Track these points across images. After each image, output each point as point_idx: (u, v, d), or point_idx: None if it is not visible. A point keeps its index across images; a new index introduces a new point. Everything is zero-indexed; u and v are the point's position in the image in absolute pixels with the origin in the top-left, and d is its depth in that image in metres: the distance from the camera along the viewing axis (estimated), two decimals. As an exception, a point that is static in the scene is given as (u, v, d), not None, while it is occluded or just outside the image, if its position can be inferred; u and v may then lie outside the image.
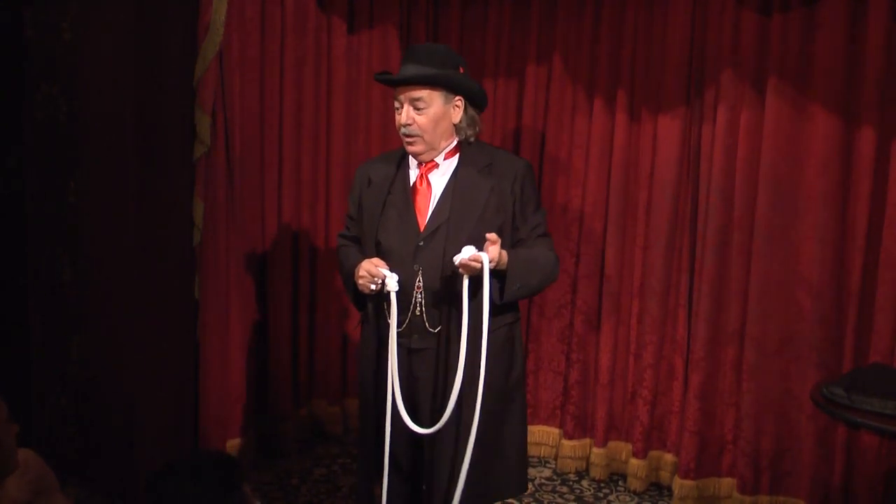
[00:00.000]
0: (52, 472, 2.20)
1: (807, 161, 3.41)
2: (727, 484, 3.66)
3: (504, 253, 2.60)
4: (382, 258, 2.67)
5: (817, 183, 3.38)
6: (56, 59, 2.61)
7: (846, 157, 3.34)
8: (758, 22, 3.45)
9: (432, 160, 2.75)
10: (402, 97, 2.70)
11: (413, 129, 2.69)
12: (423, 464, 2.84)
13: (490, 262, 2.53)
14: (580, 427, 4.01)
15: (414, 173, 2.78)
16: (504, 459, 2.81)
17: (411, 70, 2.68)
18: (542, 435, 4.13)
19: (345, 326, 4.26)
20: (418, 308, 2.69)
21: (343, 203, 4.08)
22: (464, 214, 2.67)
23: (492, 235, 2.54)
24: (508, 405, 2.81)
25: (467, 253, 2.52)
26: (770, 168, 3.44)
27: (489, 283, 2.54)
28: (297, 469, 3.93)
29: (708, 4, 3.56)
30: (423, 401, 2.74)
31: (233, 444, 3.70)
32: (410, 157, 2.79)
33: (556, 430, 4.11)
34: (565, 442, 4.04)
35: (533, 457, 4.13)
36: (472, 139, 2.78)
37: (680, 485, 3.67)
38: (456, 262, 2.53)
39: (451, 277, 2.65)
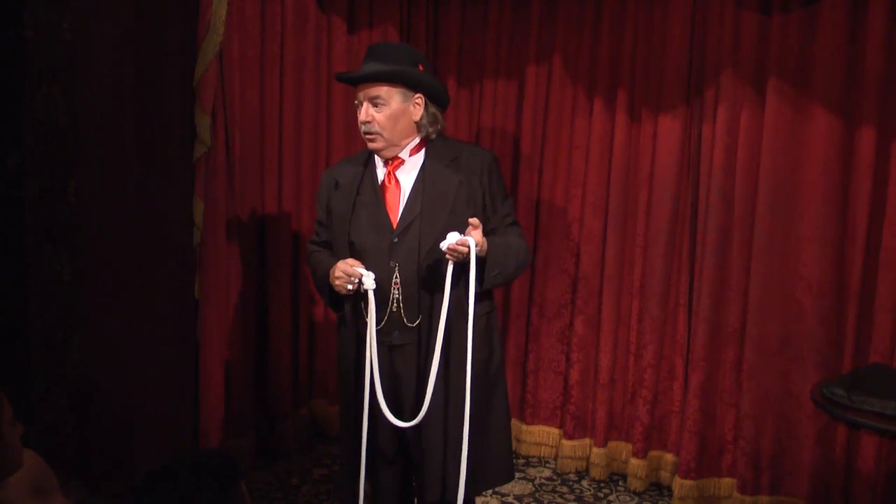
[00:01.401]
0: (52, 472, 2.20)
1: (807, 161, 3.41)
2: (727, 484, 3.66)
3: (484, 239, 2.62)
4: (357, 258, 2.69)
5: (817, 183, 3.38)
6: (56, 59, 2.61)
7: (846, 157, 3.34)
8: (758, 22, 3.45)
9: (398, 157, 2.77)
10: (361, 95, 2.73)
11: (372, 127, 2.71)
12: (409, 459, 2.85)
13: (476, 245, 2.55)
14: (580, 427, 4.01)
15: (381, 172, 2.79)
16: (490, 448, 2.83)
17: (370, 68, 2.71)
18: (542, 435, 4.13)
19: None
20: (395, 304, 2.70)
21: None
22: (435, 208, 2.69)
23: (475, 220, 2.57)
24: (492, 393, 2.83)
25: (453, 238, 2.54)
26: (770, 168, 3.44)
27: (475, 266, 2.56)
28: (297, 469, 3.93)
29: (708, 4, 3.56)
30: (407, 396, 2.75)
31: (233, 444, 3.69)
32: (377, 157, 2.80)
33: (556, 430, 4.11)
34: (565, 442, 4.03)
35: (533, 457, 4.13)
36: (433, 136, 2.80)
37: (680, 485, 3.67)
38: (443, 248, 2.55)
39: (428, 271, 2.68)
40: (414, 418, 2.69)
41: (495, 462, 2.85)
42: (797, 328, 3.46)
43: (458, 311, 2.66)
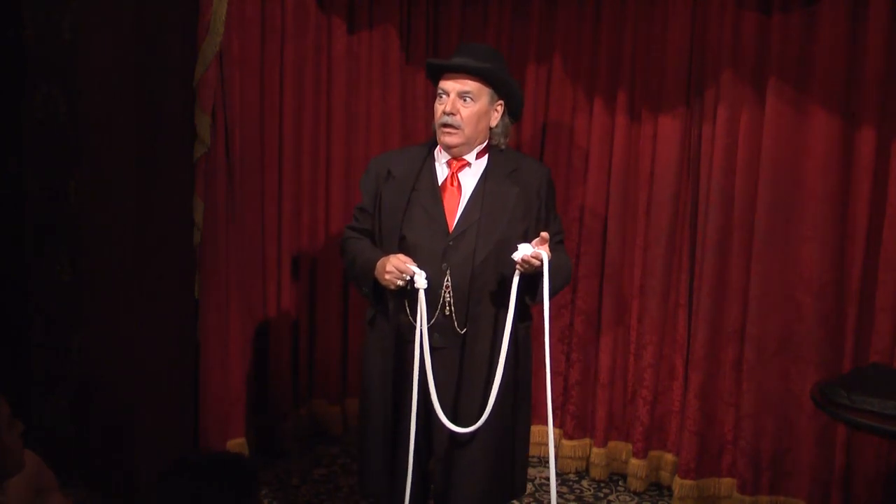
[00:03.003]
0: (51, 472, 2.20)
1: (807, 161, 3.41)
2: (727, 484, 3.66)
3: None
4: (407, 254, 2.66)
5: (817, 183, 3.38)
6: (56, 59, 2.61)
7: (846, 157, 3.34)
8: (758, 22, 3.45)
9: (464, 159, 2.76)
10: (449, 86, 2.71)
11: (456, 120, 2.69)
12: (426, 463, 2.85)
13: (547, 259, 2.56)
14: (580, 427, 4.01)
15: (442, 171, 2.78)
16: (514, 459, 2.83)
17: (467, 62, 2.71)
18: (542, 435, 4.12)
19: (345, 326, 4.26)
20: (447, 308, 2.69)
21: (343, 203, 4.08)
22: (493, 217, 2.69)
23: (545, 234, 2.59)
24: (521, 405, 2.84)
25: (526, 250, 2.55)
26: (770, 168, 3.44)
27: (548, 280, 2.57)
28: (297, 469, 3.93)
29: (708, 4, 3.55)
30: (443, 399, 2.71)
31: (233, 444, 3.69)
32: (437, 154, 2.79)
33: (556, 430, 4.10)
34: (565, 442, 4.03)
35: (533, 457, 4.12)
36: (503, 146, 2.81)
37: (680, 485, 3.67)
38: (517, 259, 2.55)
39: (483, 279, 2.67)
40: (450, 421, 2.68)
41: (517, 473, 2.85)
42: (797, 328, 3.46)
43: (514, 320, 2.66)
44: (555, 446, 4.06)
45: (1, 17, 2.55)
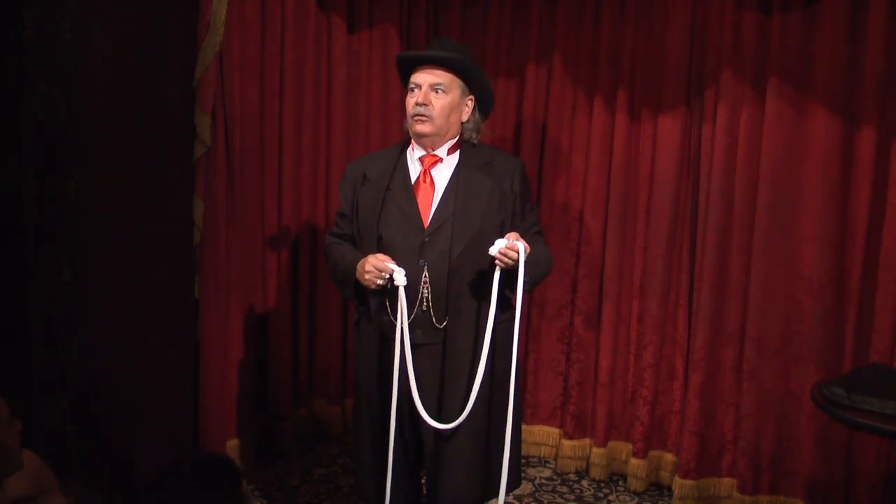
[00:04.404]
0: (51, 472, 2.20)
1: (807, 161, 3.41)
2: (727, 484, 3.66)
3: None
4: (385, 253, 2.67)
5: (817, 183, 3.38)
6: (56, 59, 2.61)
7: (846, 157, 3.35)
8: (758, 22, 3.45)
9: (436, 155, 2.78)
10: (421, 79, 2.75)
11: (428, 110, 2.72)
12: (421, 459, 2.85)
13: (524, 252, 2.58)
14: (580, 427, 4.01)
15: (415, 168, 2.79)
16: (500, 453, 2.82)
17: (440, 53, 2.74)
18: (542, 435, 4.13)
19: (345, 326, 4.25)
20: (425, 303, 2.70)
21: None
22: (468, 211, 2.70)
23: (515, 234, 2.61)
24: (504, 397, 2.83)
25: (502, 244, 2.56)
26: (770, 168, 3.45)
27: (524, 272, 2.58)
28: (297, 469, 3.93)
29: (708, 4, 3.56)
30: (427, 396, 2.73)
31: (233, 444, 3.69)
32: (409, 153, 2.81)
33: (556, 430, 4.11)
34: (565, 442, 4.03)
35: (533, 457, 4.13)
36: (475, 141, 2.83)
37: (680, 485, 3.67)
38: (494, 253, 2.57)
39: (460, 274, 2.68)
40: (435, 418, 2.69)
41: (508, 468, 2.85)
42: (797, 328, 3.46)
43: (495, 313, 2.67)
44: (555, 446, 4.10)
45: (1, 17, 2.55)
